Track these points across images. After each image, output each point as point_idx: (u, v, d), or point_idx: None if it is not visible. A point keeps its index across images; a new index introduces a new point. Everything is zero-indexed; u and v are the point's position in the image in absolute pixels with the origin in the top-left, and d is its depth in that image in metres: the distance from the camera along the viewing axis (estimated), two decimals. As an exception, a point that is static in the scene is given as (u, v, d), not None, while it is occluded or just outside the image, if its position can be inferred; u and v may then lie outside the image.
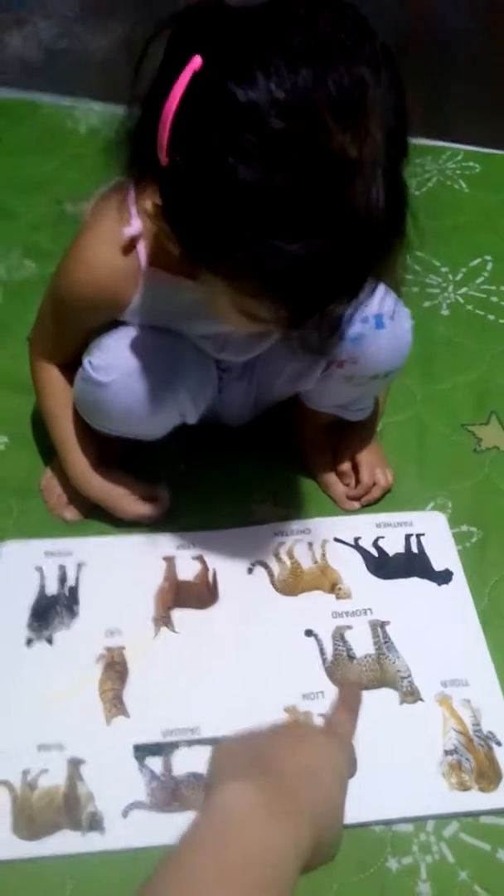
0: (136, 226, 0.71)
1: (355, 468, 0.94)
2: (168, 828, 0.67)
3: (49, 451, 0.92)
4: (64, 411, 0.86)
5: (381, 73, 0.52)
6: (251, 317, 0.61)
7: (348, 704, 0.59)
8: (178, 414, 0.81)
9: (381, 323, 0.78)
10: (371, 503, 0.92)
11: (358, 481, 0.93)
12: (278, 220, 0.52)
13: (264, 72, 0.50)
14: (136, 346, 0.77)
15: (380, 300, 0.78)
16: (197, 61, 0.52)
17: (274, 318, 0.59)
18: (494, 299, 1.15)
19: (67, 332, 0.81)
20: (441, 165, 1.35)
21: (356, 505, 0.92)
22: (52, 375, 0.86)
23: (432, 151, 1.36)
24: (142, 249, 0.72)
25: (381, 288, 0.79)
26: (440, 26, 1.66)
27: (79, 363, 0.79)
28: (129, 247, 0.72)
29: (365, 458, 0.94)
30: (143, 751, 0.73)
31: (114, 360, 0.77)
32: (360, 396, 0.88)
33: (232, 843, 0.42)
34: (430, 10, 1.67)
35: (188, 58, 0.53)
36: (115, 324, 0.78)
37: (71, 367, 0.82)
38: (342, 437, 0.95)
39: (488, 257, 1.20)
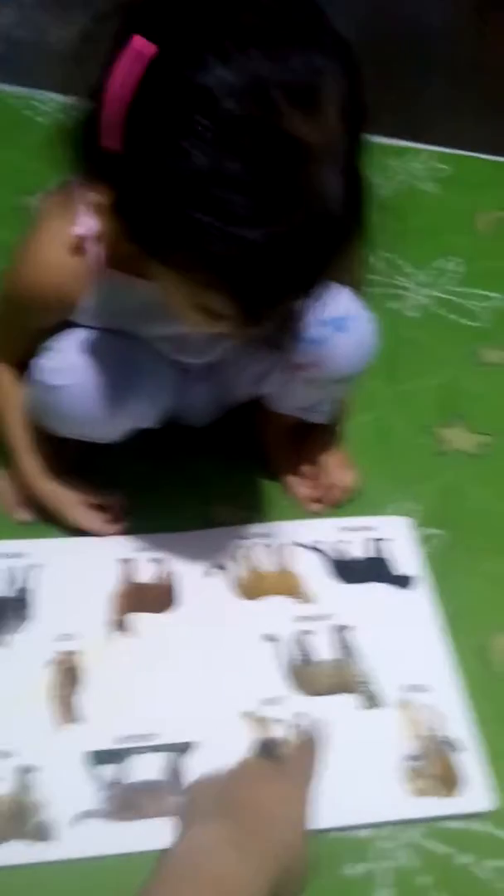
0: (85, 224, 0.69)
1: (318, 471, 0.93)
2: (121, 837, 0.68)
3: (2, 453, 0.90)
4: (14, 414, 0.83)
5: (336, 58, 0.51)
6: (207, 313, 0.59)
7: (305, 754, 0.66)
8: (134, 418, 0.79)
9: (343, 326, 0.77)
10: (332, 505, 0.91)
11: (319, 483, 0.92)
12: (231, 205, 0.50)
13: (216, 55, 0.49)
14: (90, 349, 0.75)
15: (341, 302, 0.77)
16: (148, 47, 0.51)
17: (229, 313, 0.58)
18: (460, 301, 1.15)
19: (18, 333, 0.79)
20: (410, 167, 1.34)
21: (319, 507, 0.91)
22: (3, 376, 0.83)
23: (402, 152, 1.36)
24: (92, 248, 0.70)
25: (344, 290, 0.79)
26: (412, 26, 1.66)
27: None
28: (79, 246, 0.70)
29: (327, 459, 0.93)
30: (95, 758, 0.71)
31: (66, 362, 0.75)
32: (322, 399, 0.87)
33: (204, 876, 0.50)
34: (402, 10, 1.67)
35: (139, 44, 0.51)
36: (69, 324, 0.76)
37: (23, 367, 0.80)
38: (306, 439, 0.94)
39: (455, 258, 1.20)
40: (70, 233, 0.69)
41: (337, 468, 0.92)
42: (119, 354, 0.75)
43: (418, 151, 1.37)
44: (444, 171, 1.34)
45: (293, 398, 0.86)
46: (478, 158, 1.37)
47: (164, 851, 0.55)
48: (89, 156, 0.59)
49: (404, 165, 1.34)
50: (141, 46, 0.51)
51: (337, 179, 0.52)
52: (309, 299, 0.59)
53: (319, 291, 0.59)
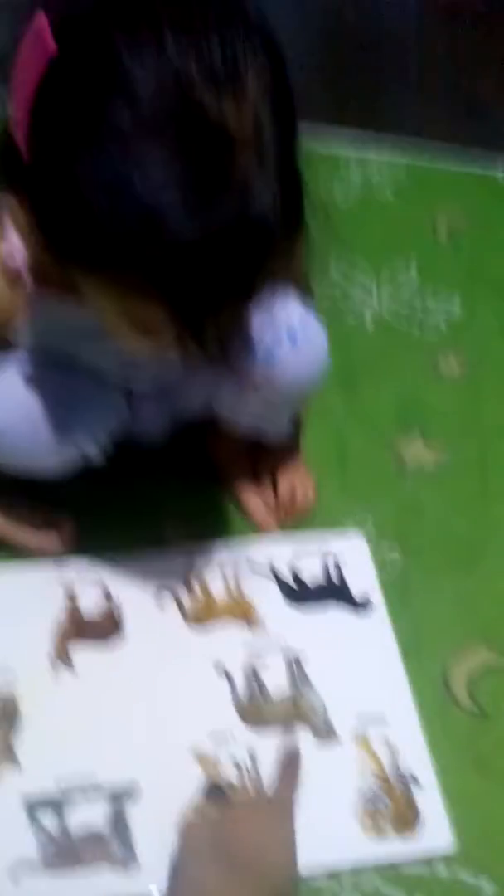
0: (13, 245, 0.64)
1: (274, 485, 0.89)
2: (60, 890, 0.63)
3: None
4: None
5: (257, 43, 0.48)
6: (143, 328, 0.55)
7: (289, 775, 0.67)
8: (77, 453, 0.75)
9: (294, 339, 0.74)
10: (291, 520, 0.88)
11: (278, 498, 0.88)
12: (155, 203, 0.46)
13: (128, 42, 0.45)
14: (26, 386, 0.71)
15: (290, 314, 0.74)
16: (50, 42, 0.47)
17: (166, 325, 0.53)
18: (420, 314, 1.12)
19: None
20: (367, 175, 1.32)
21: (274, 526, 0.87)
22: None
23: (359, 161, 1.33)
24: (26, 273, 0.65)
25: (292, 301, 0.75)
26: (375, 24, 1.64)
27: None
28: (8, 269, 0.65)
29: (284, 474, 0.90)
30: (35, 805, 0.66)
31: (4, 404, 0.71)
32: (277, 416, 0.84)
33: None
34: (365, 7, 1.65)
35: (41, 36, 0.47)
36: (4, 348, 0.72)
37: None
38: (262, 454, 0.90)
39: (413, 269, 1.18)
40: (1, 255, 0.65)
41: (292, 483, 0.89)
42: (57, 390, 0.71)
43: (375, 161, 1.34)
44: (400, 179, 1.32)
45: (247, 416, 0.82)
46: (436, 165, 1.35)
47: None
48: (8, 168, 0.54)
49: (362, 173, 1.32)
50: (41, 29, 0.47)
51: (267, 170, 0.48)
52: (251, 307, 0.55)
53: (261, 298, 0.55)
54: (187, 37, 0.45)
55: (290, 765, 0.69)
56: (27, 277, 0.65)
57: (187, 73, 0.45)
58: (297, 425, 0.91)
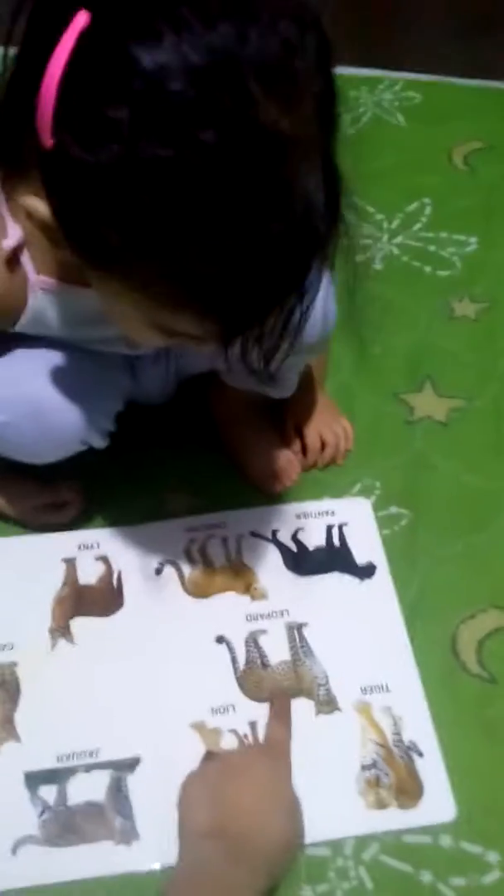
0: (14, 235, 0.59)
1: (302, 439, 0.87)
2: (62, 864, 0.64)
3: None
4: None
5: (309, 32, 0.43)
6: (168, 332, 0.52)
7: (280, 716, 0.69)
8: (79, 441, 0.73)
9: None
10: (328, 465, 0.86)
11: (305, 448, 0.86)
12: (201, 212, 0.42)
13: (173, 27, 0.40)
14: (29, 378, 0.69)
15: None
16: (83, 18, 0.42)
17: (199, 333, 0.50)
18: (432, 248, 1.06)
19: None
20: (377, 97, 1.23)
21: (279, 488, 0.84)
22: None
23: (367, 82, 1.24)
24: (26, 259, 0.61)
25: None
26: None
27: None
28: (12, 259, 0.61)
29: (309, 424, 0.87)
30: (35, 779, 0.67)
31: (4, 396, 0.68)
32: (282, 372, 0.80)
33: (205, 890, 0.57)
34: None
35: (71, 15, 0.42)
36: (2, 344, 0.69)
37: None
38: (285, 409, 0.88)
39: (427, 200, 1.10)
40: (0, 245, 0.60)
41: (318, 429, 0.87)
42: (61, 380, 0.68)
43: (387, 80, 1.25)
44: (414, 101, 1.22)
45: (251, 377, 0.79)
46: (451, 84, 1.25)
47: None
48: (11, 149, 0.51)
49: (371, 97, 1.23)
50: (77, 20, 0.42)
51: (317, 174, 0.44)
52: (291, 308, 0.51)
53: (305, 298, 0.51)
54: (235, 21, 0.40)
55: (281, 705, 0.69)
56: (32, 269, 0.62)
57: (236, 62, 0.40)
58: (310, 376, 0.87)
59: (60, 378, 0.69)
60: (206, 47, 0.40)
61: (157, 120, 0.41)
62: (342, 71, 1.25)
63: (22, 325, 0.66)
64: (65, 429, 0.70)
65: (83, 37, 0.42)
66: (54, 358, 0.69)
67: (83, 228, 0.47)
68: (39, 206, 0.49)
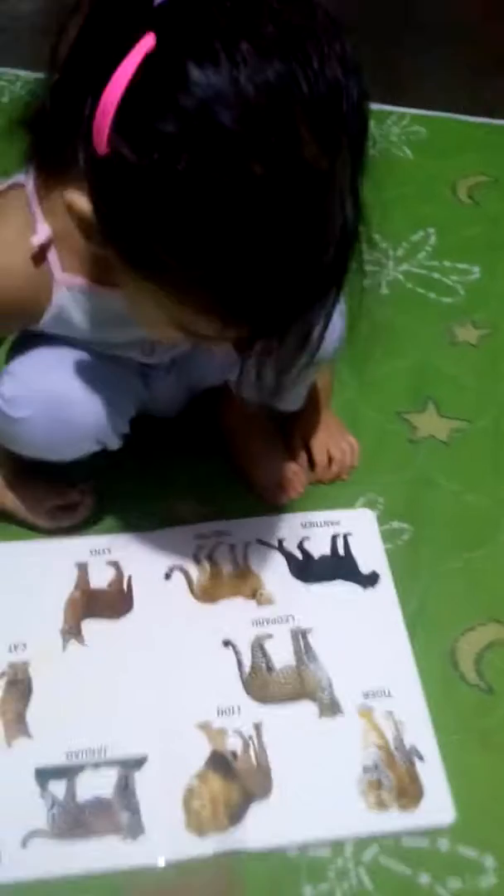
0: (43, 232, 0.62)
1: (309, 454, 0.90)
2: (70, 857, 0.65)
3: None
4: None
5: (352, 76, 0.46)
6: (191, 333, 0.55)
7: None
8: (96, 441, 0.75)
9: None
10: (334, 480, 0.89)
11: (312, 463, 0.89)
12: (242, 231, 0.46)
13: (229, 55, 0.43)
14: (50, 376, 0.71)
15: None
16: (150, 41, 0.45)
17: (219, 336, 0.53)
18: (436, 275, 1.10)
19: None
20: (385, 131, 1.28)
21: (285, 500, 0.87)
22: None
23: (376, 116, 1.28)
24: (53, 257, 0.64)
25: None
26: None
27: None
28: (40, 256, 0.64)
29: (316, 438, 0.90)
30: (45, 774, 0.69)
31: (26, 392, 0.71)
32: (293, 389, 0.83)
33: None
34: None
35: (138, 36, 0.45)
36: (27, 342, 0.72)
37: None
38: (292, 424, 0.91)
39: (431, 230, 1.15)
40: (28, 241, 0.63)
41: (326, 445, 0.90)
42: (81, 379, 0.71)
43: (395, 115, 1.30)
44: (420, 135, 1.27)
45: (262, 389, 0.82)
46: (456, 120, 1.30)
47: None
48: (57, 152, 0.54)
49: (379, 130, 1.28)
50: (144, 41, 0.45)
51: (348, 205, 0.49)
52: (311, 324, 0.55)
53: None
54: (289, 59, 0.44)
55: None
56: (59, 267, 0.64)
57: (287, 100, 0.44)
58: (316, 393, 0.90)
59: (82, 378, 0.71)
60: (260, 81, 0.43)
61: (208, 142, 0.44)
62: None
63: (45, 322, 0.68)
64: (83, 427, 0.72)
65: (148, 57, 0.45)
66: (76, 358, 0.72)
67: (127, 232, 0.50)
68: (81, 201, 0.52)
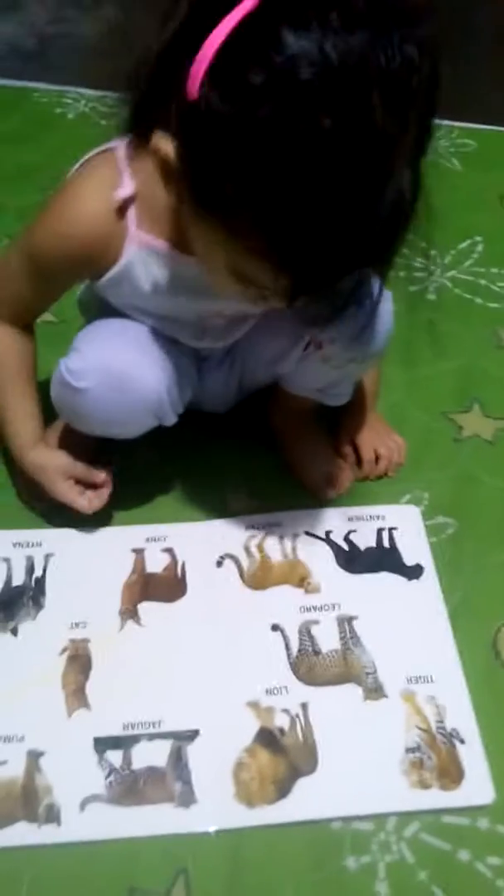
0: (128, 187, 0.68)
1: (357, 451, 0.93)
2: (125, 821, 0.69)
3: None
4: (12, 378, 0.81)
5: (427, 58, 0.51)
6: (244, 280, 0.59)
7: None
8: (155, 418, 0.80)
9: (362, 304, 0.76)
10: (381, 477, 0.92)
11: (360, 460, 0.92)
12: (305, 181, 0.50)
13: (320, 23, 0.48)
14: (113, 350, 0.76)
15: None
16: (250, 2, 0.50)
17: (270, 285, 0.57)
18: (483, 282, 1.12)
19: (34, 292, 0.77)
20: (434, 143, 1.31)
21: (331, 495, 0.90)
22: (4, 338, 0.80)
23: (426, 129, 1.32)
24: (132, 214, 0.69)
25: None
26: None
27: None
28: (121, 210, 0.69)
29: (363, 438, 0.93)
30: (103, 744, 0.73)
31: (90, 365, 0.75)
32: (339, 380, 0.86)
33: None
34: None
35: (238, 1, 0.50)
36: (94, 325, 0.77)
37: (27, 330, 0.80)
38: (340, 424, 0.94)
39: (479, 238, 1.18)
40: (111, 193, 0.68)
41: (373, 443, 0.93)
42: (143, 356, 0.76)
43: (443, 128, 1.33)
44: (469, 147, 1.30)
45: (309, 378, 0.85)
46: (504, 133, 1.33)
47: None
48: (152, 106, 0.58)
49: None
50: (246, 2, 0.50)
51: (407, 174, 0.53)
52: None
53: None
54: (373, 32, 0.48)
55: None
56: (135, 224, 0.69)
57: (364, 67, 0.48)
58: (362, 392, 0.94)
59: (144, 354, 0.76)
60: (342, 48, 0.48)
61: (287, 94, 0.49)
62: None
63: (110, 277, 0.73)
64: (143, 400, 0.76)
65: (247, 17, 0.50)
66: (139, 336, 0.76)
67: (203, 173, 0.55)
68: (167, 145, 0.57)
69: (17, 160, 1.27)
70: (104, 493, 0.84)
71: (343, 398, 0.90)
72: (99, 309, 0.81)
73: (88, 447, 0.87)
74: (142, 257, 0.71)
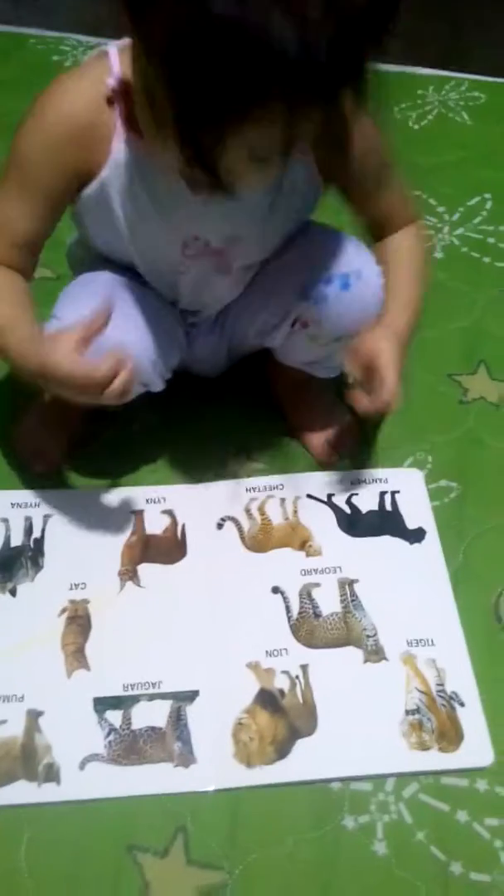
0: (117, 74, 0.66)
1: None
2: (124, 781, 0.70)
3: (18, 404, 0.90)
4: (9, 299, 0.73)
5: None
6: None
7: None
8: (141, 383, 0.78)
9: (347, 284, 0.75)
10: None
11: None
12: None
13: None
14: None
15: (346, 258, 0.74)
16: None
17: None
18: (492, 240, 1.10)
19: (24, 212, 0.72)
20: (443, 96, 1.27)
21: (334, 459, 0.89)
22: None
23: (435, 81, 1.29)
24: (119, 109, 0.67)
25: (352, 243, 0.76)
26: None
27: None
28: (111, 98, 0.67)
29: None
30: (102, 704, 0.73)
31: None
32: (328, 354, 0.85)
33: None
34: None
35: None
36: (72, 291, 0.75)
37: (24, 275, 0.75)
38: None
39: (488, 195, 1.15)
40: (101, 82, 0.67)
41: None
42: (123, 318, 0.73)
43: (453, 80, 1.29)
44: (479, 101, 1.26)
45: (297, 353, 0.84)
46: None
47: None
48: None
49: (438, 96, 1.27)
50: None
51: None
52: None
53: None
54: None
55: None
56: (123, 119, 0.67)
57: None
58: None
59: (127, 319, 0.74)
60: None
61: None
62: (411, 70, 1.31)
63: (90, 194, 0.70)
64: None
65: None
66: (122, 301, 0.74)
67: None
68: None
69: (14, 109, 1.22)
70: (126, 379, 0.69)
71: (334, 371, 0.89)
72: (85, 262, 0.79)
73: (72, 423, 0.87)
74: (118, 173, 0.69)
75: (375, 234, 0.81)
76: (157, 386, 0.80)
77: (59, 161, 0.70)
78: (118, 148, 0.69)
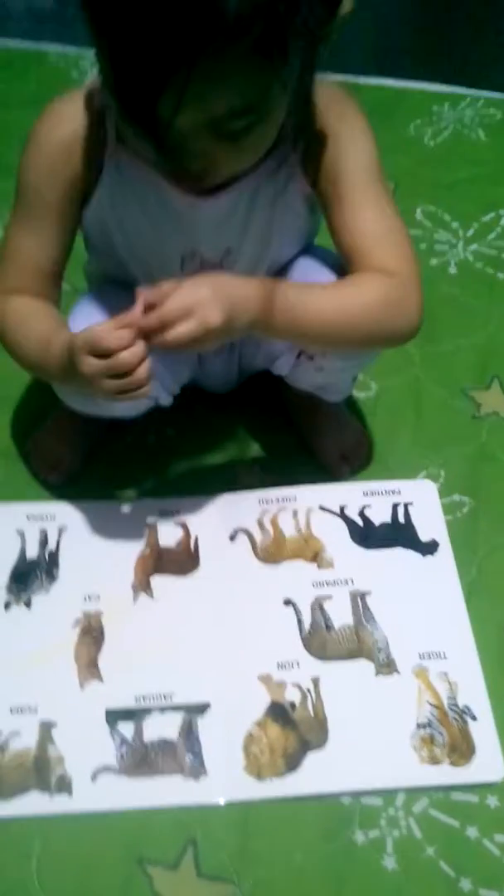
0: (102, 97, 0.67)
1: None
2: (136, 793, 0.70)
3: (34, 414, 0.92)
4: (36, 316, 0.74)
5: None
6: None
7: None
8: (151, 403, 0.79)
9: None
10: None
11: None
12: None
13: None
14: None
15: None
16: None
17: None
18: (505, 256, 1.10)
19: (35, 238, 0.73)
20: (459, 113, 1.28)
21: (346, 471, 0.90)
22: (19, 302, 0.74)
23: (450, 98, 1.30)
24: (110, 125, 0.68)
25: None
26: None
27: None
28: (101, 119, 0.69)
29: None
30: (115, 715, 0.73)
31: None
32: (335, 381, 0.85)
33: None
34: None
35: None
36: (82, 307, 0.76)
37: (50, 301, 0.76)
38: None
39: (503, 211, 1.15)
40: (93, 99, 0.69)
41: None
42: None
43: (469, 97, 1.30)
44: (495, 118, 1.27)
45: (306, 380, 0.84)
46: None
47: None
48: None
49: (453, 113, 1.28)
50: None
51: None
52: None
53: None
54: None
55: None
56: (113, 134, 0.69)
57: None
58: None
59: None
60: None
61: None
62: (427, 87, 1.32)
63: (89, 215, 0.72)
64: None
65: None
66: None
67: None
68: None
69: (29, 124, 1.26)
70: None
71: (342, 395, 0.89)
72: (99, 280, 0.81)
73: (87, 435, 0.89)
74: (111, 187, 0.70)
75: (349, 266, 0.72)
76: (166, 400, 0.81)
77: (57, 177, 0.71)
78: (109, 163, 0.70)
